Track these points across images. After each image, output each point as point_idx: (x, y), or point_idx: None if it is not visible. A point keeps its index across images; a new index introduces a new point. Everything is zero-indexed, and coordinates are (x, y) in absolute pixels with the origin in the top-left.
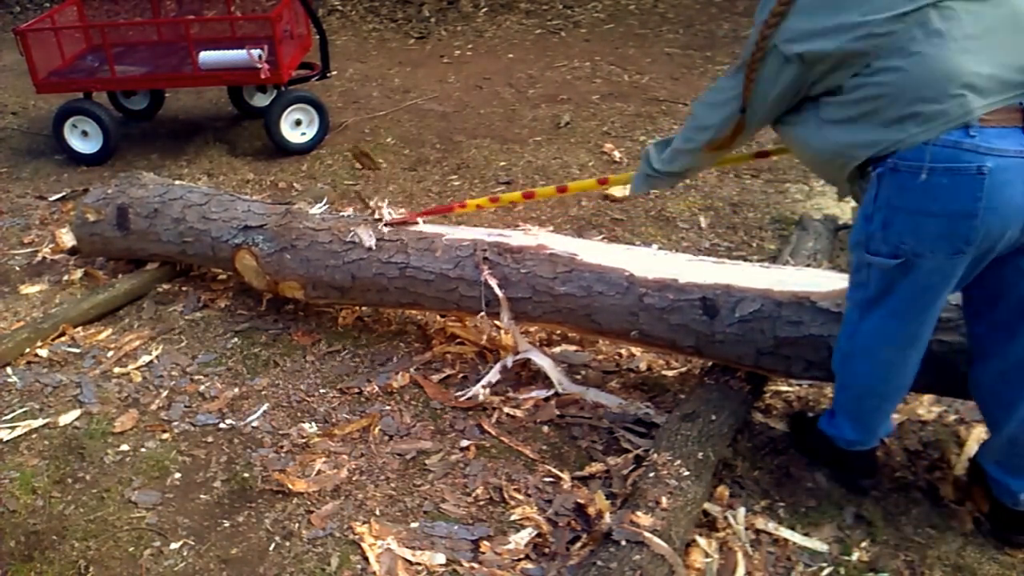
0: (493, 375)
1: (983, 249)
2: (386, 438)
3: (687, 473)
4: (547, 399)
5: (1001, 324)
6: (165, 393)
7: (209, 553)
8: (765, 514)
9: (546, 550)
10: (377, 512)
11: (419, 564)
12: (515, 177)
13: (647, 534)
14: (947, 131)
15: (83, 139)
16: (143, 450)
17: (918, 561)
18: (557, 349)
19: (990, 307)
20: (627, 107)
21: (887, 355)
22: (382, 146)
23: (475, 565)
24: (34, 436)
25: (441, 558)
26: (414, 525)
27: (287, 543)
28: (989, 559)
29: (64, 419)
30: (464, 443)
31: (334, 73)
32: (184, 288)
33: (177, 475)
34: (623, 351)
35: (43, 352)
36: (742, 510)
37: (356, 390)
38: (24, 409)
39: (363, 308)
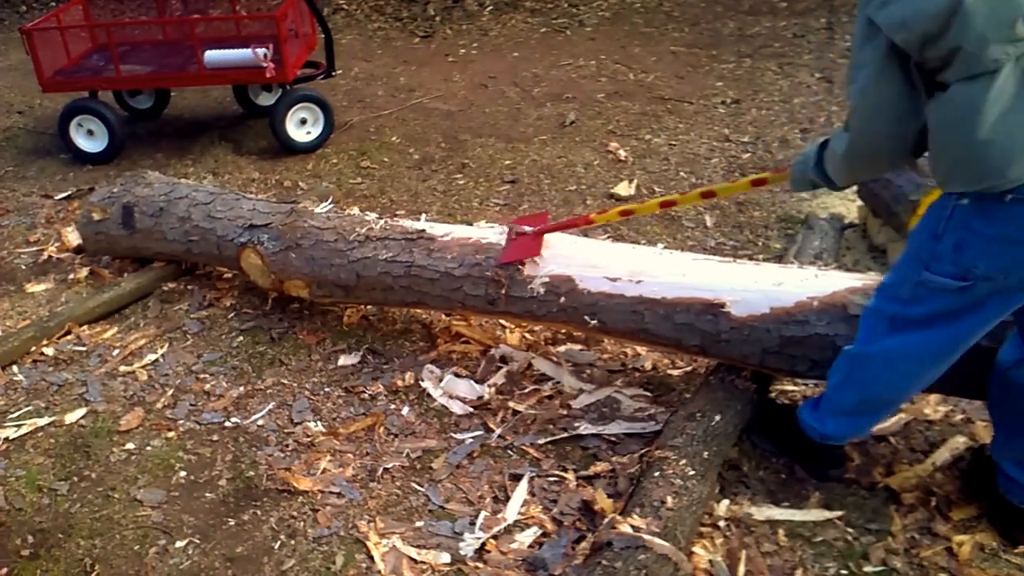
0: (498, 376)
1: None
2: (391, 437)
3: (692, 472)
4: (551, 397)
5: None
6: (171, 391)
7: (214, 551)
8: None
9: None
10: (382, 511)
11: (424, 563)
12: (520, 176)
13: (647, 536)
14: None
15: (89, 138)
16: (149, 448)
17: (921, 561)
18: (562, 348)
19: None
20: (632, 106)
21: (913, 369)
22: (387, 145)
23: (480, 564)
24: (40, 434)
25: (446, 557)
26: (419, 524)
27: (292, 541)
28: (990, 560)
29: (70, 417)
30: (469, 442)
31: (339, 72)
32: (190, 287)
33: (182, 473)
34: (628, 350)
35: (49, 351)
36: (748, 509)
37: (361, 389)
38: (30, 407)
39: (368, 307)
